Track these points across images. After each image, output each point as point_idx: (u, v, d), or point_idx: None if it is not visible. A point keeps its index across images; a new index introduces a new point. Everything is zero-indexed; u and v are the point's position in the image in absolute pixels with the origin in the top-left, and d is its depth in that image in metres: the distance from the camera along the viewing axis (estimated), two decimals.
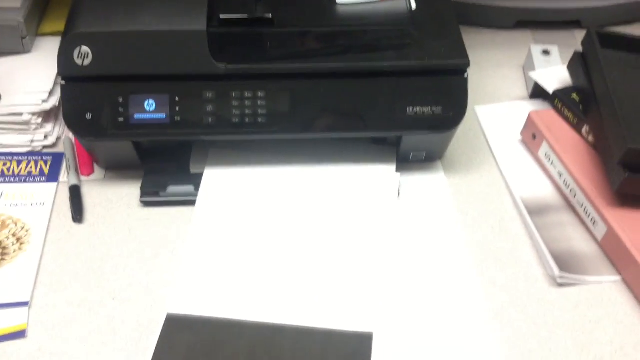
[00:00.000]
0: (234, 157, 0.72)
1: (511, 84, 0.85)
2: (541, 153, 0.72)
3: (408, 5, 0.70)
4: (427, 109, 0.66)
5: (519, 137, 0.76)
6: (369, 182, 0.70)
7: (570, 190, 0.68)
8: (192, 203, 0.68)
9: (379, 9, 0.70)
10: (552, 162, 0.71)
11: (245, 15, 0.65)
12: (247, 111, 0.65)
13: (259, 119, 0.66)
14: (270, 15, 0.66)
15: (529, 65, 0.84)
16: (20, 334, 0.58)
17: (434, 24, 0.68)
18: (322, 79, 0.65)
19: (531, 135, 0.74)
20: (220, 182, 0.70)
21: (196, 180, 0.70)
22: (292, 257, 0.64)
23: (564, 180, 0.69)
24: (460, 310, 0.60)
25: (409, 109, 0.66)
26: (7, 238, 0.65)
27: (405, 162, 0.73)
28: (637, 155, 0.60)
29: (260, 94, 0.65)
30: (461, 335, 0.58)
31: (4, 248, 0.64)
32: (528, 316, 0.60)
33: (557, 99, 0.74)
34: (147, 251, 0.65)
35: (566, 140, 0.71)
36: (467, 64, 0.66)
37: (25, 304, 0.60)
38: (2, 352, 0.56)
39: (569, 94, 0.73)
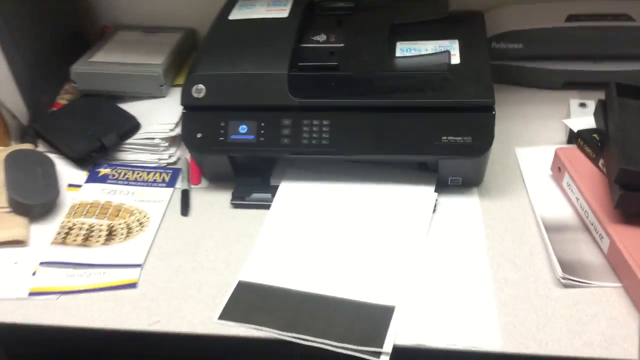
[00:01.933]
0: (304, 175, 0.90)
1: (552, 133, 0.97)
2: (564, 182, 0.84)
3: (449, 59, 0.87)
4: (458, 138, 0.82)
5: (549, 172, 0.88)
6: (410, 197, 0.85)
7: (585, 212, 0.79)
8: (268, 207, 0.87)
9: (426, 61, 0.88)
10: (571, 190, 0.82)
11: (317, 63, 0.86)
12: (314, 135, 0.85)
13: (323, 142, 0.84)
14: (336, 63, 0.86)
15: (567, 116, 0.96)
16: (132, 285, 0.78)
17: (471, 73, 0.85)
18: (374, 112, 0.84)
19: (557, 168, 0.86)
20: (291, 192, 0.89)
21: (274, 190, 0.89)
22: (338, 246, 0.80)
23: (580, 204, 0.80)
24: (470, 295, 0.73)
25: (444, 138, 0.82)
26: (133, 222, 0.87)
27: (445, 186, 0.88)
28: (629, 174, 0.71)
29: (325, 122, 0.85)
30: (468, 315, 0.70)
31: (130, 228, 0.86)
32: (531, 306, 0.71)
33: (580, 138, 0.86)
34: (231, 238, 0.84)
35: (585, 171, 0.82)
36: (493, 103, 0.81)
37: (139, 265, 0.81)
38: (119, 296, 0.77)
39: (591, 134, 0.85)
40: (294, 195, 0.88)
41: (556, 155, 0.86)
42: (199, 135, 0.87)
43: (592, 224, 0.77)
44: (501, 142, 0.96)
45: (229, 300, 0.75)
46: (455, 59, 0.89)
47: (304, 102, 0.84)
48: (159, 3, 1.21)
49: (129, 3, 1.22)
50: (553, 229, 0.79)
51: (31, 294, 0.78)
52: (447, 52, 0.88)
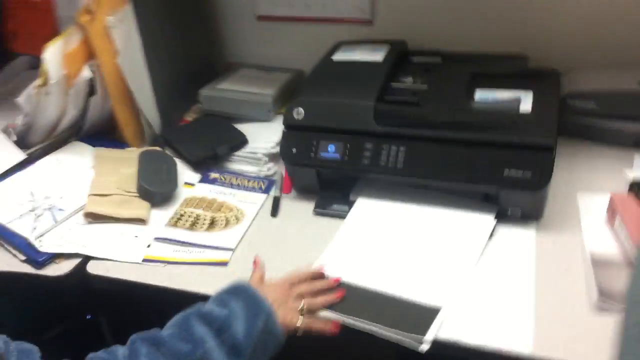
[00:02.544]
0: (378, 194, 1.03)
1: (615, 183, 1.03)
2: (616, 224, 0.91)
3: (518, 105, 0.98)
4: (519, 173, 0.92)
5: (605, 215, 0.95)
6: (471, 221, 0.96)
7: (630, 250, 0.85)
8: (344, 217, 1.01)
9: (498, 105, 1.00)
10: (621, 231, 0.89)
11: (400, 98, 1.01)
12: (390, 159, 0.98)
13: (398, 165, 0.98)
14: (416, 100, 1.00)
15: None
16: (224, 264, 0.94)
17: (538, 119, 0.95)
18: (446, 144, 0.96)
19: (611, 211, 0.93)
20: (364, 208, 1.02)
21: (351, 204, 1.03)
22: (399, 254, 0.92)
23: (628, 244, 0.86)
24: (511, 305, 0.81)
25: (506, 171, 0.92)
26: (231, 217, 1.04)
27: (505, 217, 0.97)
28: None
29: (401, 148, 0.98)
30: (505, 321, 0.79)
31: (228, 221, 1.03)
32: (565, 322, 0.78)
33: (635, 185, 0.93)
34: (309, 239, 0.98)
35: (635, 216, 0.89)
36: (552, 143, 0.91)
37: (231, 249, 0.97)
38: (212, 271, 0.93)
39: None
40: (367, 210, 1.01)
41: (611, 199, 0.93)
42: (294, 151, 1.03)
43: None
44: (565, 186, 1.04)
45: None
46: (527, 107, 0.99)
47: (385, 130, 0.98)
48: (276, 48, 1.42)
49: (252, 47, 1.44)
50: (599, 263, 0.86)
51: (144, 260, 0.96)
52: (518, 99, 0.99)
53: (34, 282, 0.97)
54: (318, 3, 1.33)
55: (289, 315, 0.80)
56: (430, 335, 0.78)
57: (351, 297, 0.85)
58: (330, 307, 0.83)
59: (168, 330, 0.77)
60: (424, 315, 0.81)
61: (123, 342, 0.76)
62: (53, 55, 1.07)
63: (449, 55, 1.18)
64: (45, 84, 1.08)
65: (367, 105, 1.00)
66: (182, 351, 0.73)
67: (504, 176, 0.92)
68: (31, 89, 1.09)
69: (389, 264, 0.90)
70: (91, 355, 0.74)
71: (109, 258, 0.96)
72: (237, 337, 0.75)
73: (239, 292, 0.80)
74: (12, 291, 1.16)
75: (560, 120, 1.12)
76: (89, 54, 1.11)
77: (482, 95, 1.05)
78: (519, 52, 1.16)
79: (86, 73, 1.11)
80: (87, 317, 1.32)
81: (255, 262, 0.93)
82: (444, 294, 0.84)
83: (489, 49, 1.20)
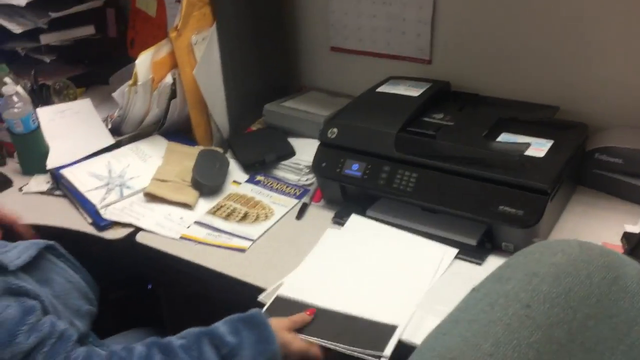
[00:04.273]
0: (389, 212, 1.14)
1: (618, 236, 1.06)
2: None
3: (525, 149, 1.05)
4: (512, 210, 0.99)
5: None
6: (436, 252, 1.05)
7: None
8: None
9: (507, 147, 1.08)
10: None
11: (420, 130, 1.12)
12: (403, 182, 1.09)
13: (408, 189, 1.08)
14: (434, 133, 1.10)
15: None
16: (242, 250, 1.10)
17: (545, 164, 1.02)
18: (451, 175, 1.05)
19: None
20: (357, 226, 1.13)
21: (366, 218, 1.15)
22: (363, 276, 1.01)
23: None
24: None
25: (501, 207, 1.00)
26: (261, 214, 1.20)
27: (499, 250, 1.04)
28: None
29: (413, 175, 1.09)
30: None
31: (258, 217, 1.19)
32: None
33: (626, 236, 0.97)
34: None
35: None
36: (547, 189, 0.97)
37: (252, 240, 1.12)
38: (232, 254, 1.09)
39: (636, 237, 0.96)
40: (359, 228, 1.12)
41: None
42: (323, 165, 1.18)
43: None
44: (569, 231, 1.08)
45: (266, 309, 0.97)
46: (541, 153, 1.06)
47: (402, 156, 1.10)
48: (344, 76, 1.57)
49: (323, 73, 1.61)
50: None
51: (181, 237, 1.14)
52: (528, 144, 1.07)
53: (97, 243, 1.19)
54: (383, 41, 1.47)
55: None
56: (387, 352, 0.86)
57: (316, 319, 0.93)
58: (299, 330, 0.91)
59: (182, 340, 0.86)
60: (383, 332, 0.89)
61: (175, 313, 0.89)
62: (144, 61, 1.30)
63: (486, 98, 1.27)
64: (134, 84, 1.31)
65: (390, 133, 1.12)
66: None
67: (498, 211, 1.00)
68: (124, 87, 1.33)
69: (351, 285, 1.00)
70: (113, 348, 0.87)
71: (154, 231, 1.16)
72: None
73: (253, 324, 0.88)
74: (87, 252, 1.40)
75: (582, 170, 1.18)
76: (174, 64, 1.33)
77: (505, 138, 1.14)
78: (551, 104, 1.22)
79: (169, 79, 1.33)
80: (149, 286, 1.54)
81: (310, 311, 0.94)
82: (398, 314, 0.92)
83: (524, 98, 1.27)
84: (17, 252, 0.88)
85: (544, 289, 0.50)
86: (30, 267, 0.89)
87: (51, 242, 0.97)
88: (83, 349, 0.83)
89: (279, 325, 0.89)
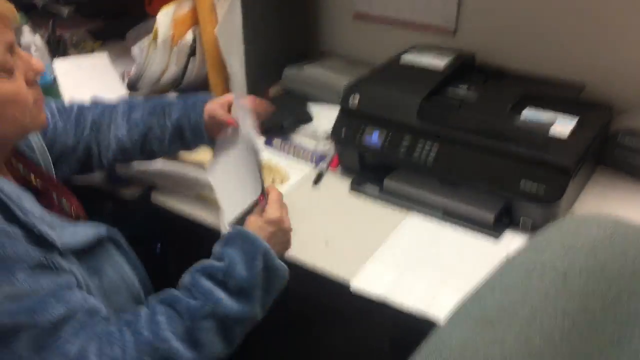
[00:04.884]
0: (405, 183, 1.13)
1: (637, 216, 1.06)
2: None
3: (550, 126, 1.04)
4: (534, 186, 0.98)
5: None
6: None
7: None
8: (376, 197, 1.12)
9: (533, 124, 1.06)
10: None
11: (445, 101, 1.10)
12: (423, 153, 1.08)
13: (428, 163, 1.07)
14: (459, 105, 1.09)
15: None
16: None
17: (570, 143, 1.00)
18: (475, 148, 1.04)
19: None
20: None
21: (382, 186, 1.13)
22: None
23: None
24: None
25: (522, 182, 0.99)
26: (277, 178, 1.19)
27: (516, 226, 1.04)
28: None
29: (434, 146, 1.07)
30: None
31: (274, 180, 1.18)
32: None
33: None
34: (337, 209, 1.11)
35: None
36: (571, 167, 0.96)
37: None
38: None
39: None
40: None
41: None
42: (342, 131, 1.16)
43: None
44: (583, 209, 1.07)
45: None
46: (566, 131, 1.05)
47: (424, 126, 1.08)
48: (366, 44, 1.54)
49: (345, 40, 1.58)
50: None
51: (196, 197, 1.13)
52: (552, 122, 1.05)
53: (108, 199, 1.19)
54: (408, 8, 1.44)
55: (285, 247, 0.91)
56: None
57: None
58: None
59: (180, 290, 0.84)
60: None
61: (180, 273, 0.87)
62: (164, 17, 1.28)
63: (511, 73, 1.25)
64: (154, 39, 1.29)
65: (413, 101, 1.10)
66: (194, 306, 0.80)
67: (520, 186, 0.99)
68: (143, 42, 1.31)
69: None
70: (121, 314, 0.83)
71: (170, 190, 1.15)
72: (241, 281, 0.83)
73: (233, 240, 0.87)
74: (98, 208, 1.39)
75: (604, 151, 1.17)
76: (195, 22, 1.31)
77: (528, 113, 1.11)
78: (577, 81, 1.20)
79: (189, 37, 1.31)
80: (158, 245, 1.54)
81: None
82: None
83: (551, 73, 1.25)
84: (73, 233, 0.82)
85: (580, 260, 0.50)
86: (83, 252, 0.83)
87: (113, 231, 0.90)
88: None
89: (255, 223, 0.89)
